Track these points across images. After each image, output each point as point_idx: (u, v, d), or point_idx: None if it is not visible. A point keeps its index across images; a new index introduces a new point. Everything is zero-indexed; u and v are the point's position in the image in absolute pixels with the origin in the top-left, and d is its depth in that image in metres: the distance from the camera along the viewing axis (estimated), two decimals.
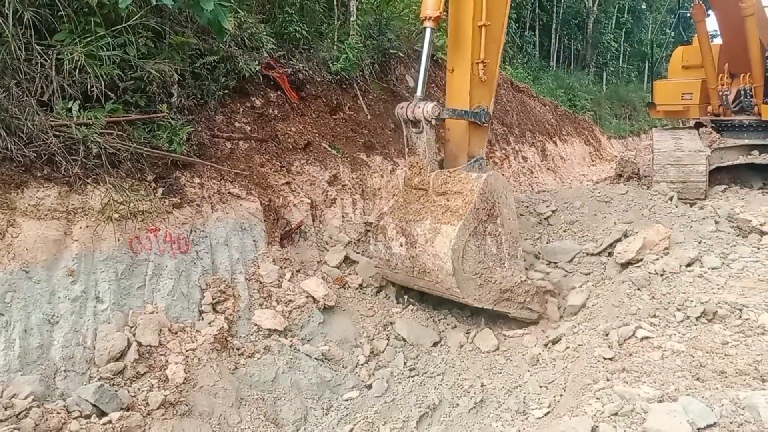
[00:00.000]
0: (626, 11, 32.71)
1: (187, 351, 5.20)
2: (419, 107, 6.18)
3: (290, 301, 6.22)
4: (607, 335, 5.44)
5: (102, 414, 4.43)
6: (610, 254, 7.39)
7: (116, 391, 4.61)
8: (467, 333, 6.60)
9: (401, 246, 6.46)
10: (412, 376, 5.94)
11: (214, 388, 5.04)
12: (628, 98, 29.45)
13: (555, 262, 7.90)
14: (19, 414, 4.13)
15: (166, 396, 4.72)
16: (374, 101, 9.95)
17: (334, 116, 9.02)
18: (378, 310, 6.77)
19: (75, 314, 4.86)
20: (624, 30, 32.74)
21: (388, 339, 6.41)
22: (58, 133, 5.02)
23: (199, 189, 6.17)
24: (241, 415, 5.07)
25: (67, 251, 4.93)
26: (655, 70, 17.62)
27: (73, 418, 4.33)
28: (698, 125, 12.85)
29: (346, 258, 7.39)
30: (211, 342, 5.33)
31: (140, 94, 5.85)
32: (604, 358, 5.05)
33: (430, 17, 6.15)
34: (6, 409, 4.12)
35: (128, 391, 4.70)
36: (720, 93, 11.58)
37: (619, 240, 7.48)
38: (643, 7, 35.00)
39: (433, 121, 6.29)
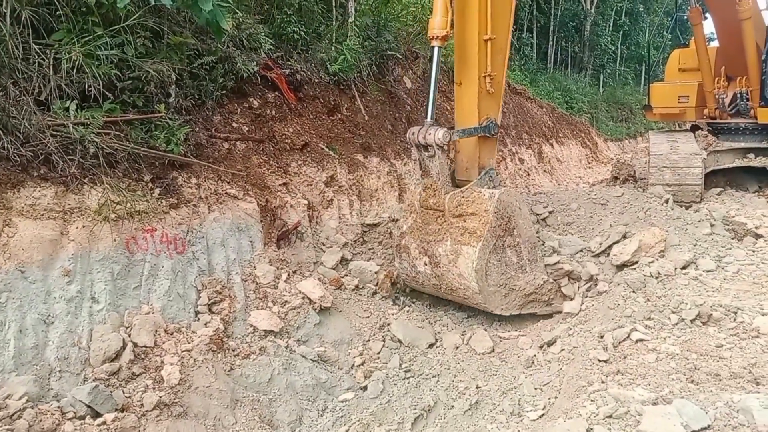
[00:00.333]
0: (623, 14, 32.78)
1: (182, 352, 5.19)
2: (430, 133, 6.32)
3: (286, 302, 6.22)
4: (602, 337, 5.45)
5: (97, 415, 4.43)
6: (608, 255, 7.42)
7: (111, 392, 4.61)
8: (463, 334, 6.61)
9: (426, 265, 6.76)
10: (408, 378, 5.95)
11: (209, 389, 5.04)
12: (624, 101, 29.53)
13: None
14: (12, 415, 4.12)
15: (161, 397, 4.71)
16: (372, 102, 9.96)
17: (332, 117, 9.03)
18: (374, 312, 6.78)
19: (70, 314, 4.85)
20: (621, 32, 32.80)
21: (383, 340, 6.42)
22: (55, 133, 5.01)
23: (196, 189, 6.16)
24: (236, 416, 5.07)
25: (63, 251, 4.92)
26: (652, 73, 17.69)
27: (68, 419, 4.33)
28: (694, 128, 12.87)
29: (343, 259, 7.39)
30: (207, 343, 5.32)
31: (138, 94, 5.85)
32: (599, 360, 5.06)
33: (438, 36, 6.22)
34: (0, 409, 4.11)
35: (123, 392, 4.70)
36: (716, 96, 11.60)
37: (618, 241, 7.51)
38: (641, 9, 35.06)
39: (445, 147, 6.46)
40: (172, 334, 5.33)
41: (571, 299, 6.84)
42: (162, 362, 5.04)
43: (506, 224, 6.52)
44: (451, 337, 6.55)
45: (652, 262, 6.61)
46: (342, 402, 5.65)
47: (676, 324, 5.31)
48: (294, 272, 6.76)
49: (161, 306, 5.44)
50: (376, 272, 7.29)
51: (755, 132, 11.31)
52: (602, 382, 4.64)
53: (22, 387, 4.34)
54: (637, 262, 6.71)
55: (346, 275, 7.19)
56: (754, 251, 6.84)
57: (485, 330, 6.66)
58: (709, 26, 12.22)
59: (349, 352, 6.21)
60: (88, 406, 4.42)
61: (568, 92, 24.12)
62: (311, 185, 7.93)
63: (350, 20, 9.69)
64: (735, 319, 5.20)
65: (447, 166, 6.78)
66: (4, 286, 4.55)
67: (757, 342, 4.81)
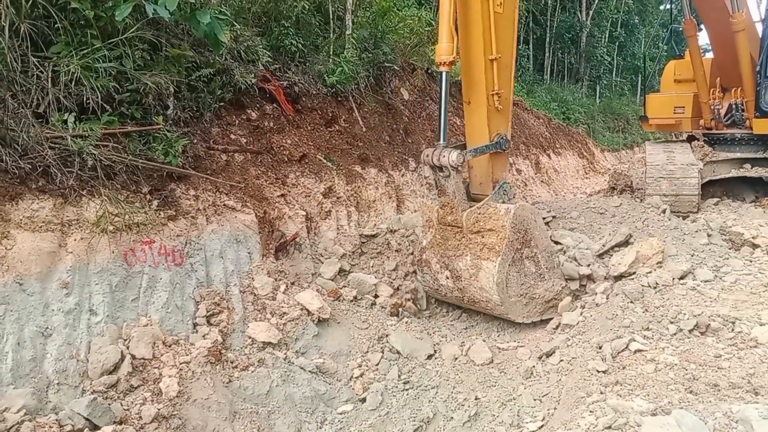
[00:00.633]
0: (619, 25, 33.00)
1: (180, 364, 5.18)
2: (444, 156, 6.49)
3: (285, 313, 6.21)
4: (600, 348, 5.45)
5: (95, 428, 4.41)
6: (611, 255, 7.52)
7: (109, 404, 4.59)
8: (461, 345, 6.60)
9: (447, 278, 6.98)
10: (407, 389, 5.93)
11: (207, 401, 5.02)
12: (621, 111, 29.66)
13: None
14: (10, 428, 4.11)
15: (159, 409, 4.70)
16: (369, 114, 10.00)
17: (330, 129, 9.06)
18: (372, 323, 6.77)
19: (68, 327, 4.84)
20: (617, 44, 33.03)
21: (382, 352, 6.41)
22: (53, 145, 5.02)
23: (195, 201, 6.17)
24: (235, 428, 5.05)
25: (61, 263, 4.92)
26: (648, 84, 17.74)
27: None
28: (690, 138, 12.93)
29: (341, 270, 7.39)
30: (205, 355, 5.31)
31: (136, 106, 5.87)
32: (598, 371, 5.06)
33: (445, 62, 6.30)
34: None
35: (121, 405, 4.68)
36: (712, 107, 11.68)
37: (623, 244, 7.66)
38: (636, 21, 35.31)
39: (459, 168, 6.61)
40: (170, 346, 5.32)
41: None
42: (160, 374, 5.03)
43: (523, 237, 6.71)
44: (450, 348, 6.54)
45: (650, 272, 6.62)
46: (341, 414, 5.63)
47: (675, 334, 5.31)
48: (292, 283, 6.75)
49: (159, 318, 5.43)
50: (374, 284, 7.29)
51: (751, 142, 11.37)
52: (601, 392, 4.64)
53: (20, 400, 4.32)
54: (634, 273, 6.73)
55: (345, 286, 7.18)
56: (751, 261, 6.86)
57: (484, 341, 6.65)
58: (704, 38, 12.31)
59: (347, 363, 6.19)
60: (87, 419, 4.40)
61: (564, 103, 24.23)
62: (309, 196, 7.94)
63: (348, 32, 9.75)
64: (733, 329, 5.20)
65: (462, 185, 6.95)
66: (2, 298, 4.54)
67: (756, 352, 4.81)
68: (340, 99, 9.42)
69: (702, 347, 5.02)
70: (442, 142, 6.59)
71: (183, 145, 6.13)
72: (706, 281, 6.35)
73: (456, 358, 6.40)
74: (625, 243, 7.68)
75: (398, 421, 5.50)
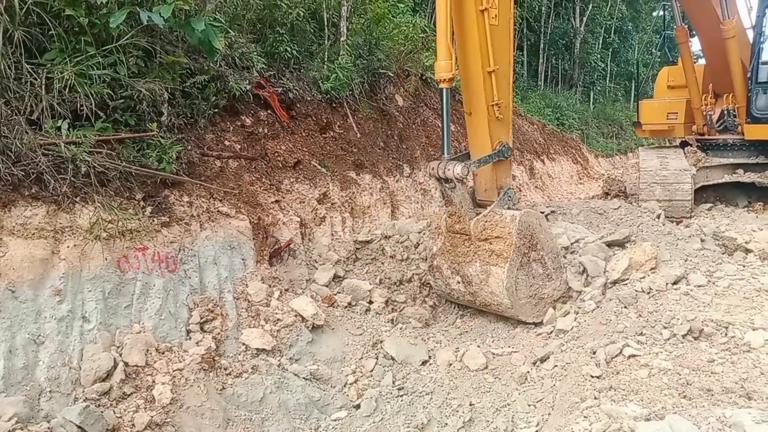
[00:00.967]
0: (613, 32, 33.15)
1: (174, 371, 5.16)
2: (449, 169, 6.62)
3: (279, 320, 6.20)
4: (594, 353, 5.46)
5: None
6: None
7: (102, 412, 4.57)
8: (456, 351, 6.60)
9: (459, 283, 7.20)
10: (401, 396, 5.92)
11: (201, 408, 5.00)
12: (614, 117, 29.76)
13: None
14: None
15: (152, 417, 4.68)
16: (364, 120, 10.02)
17: (324, 135, 9.07)
18: (367, 329, 6.76)
19: (61, 334, 4.82)
20: (611, 50, 33.16)
21: (376, 358, 6.40)
22: (46, 152, 5.01)
23: (188, 207, 6.16)
24: None
25: (54, 270, 4.90)
26: (641, 90, 17.85)
27: None
28: (684, 144, 13.00)
29: (336, 276, 7.39)
30: (199, 362, 5.29)
31: (130, 112, 5.87)
32: (592, 377, 5.07)
33: (445, 79, 6.36)
34: None
35: (114, 412, 4.66)
36: (704, 113, 11.74)
37: (621, 243, 7.81)
38: (630, 27, 35.46)
39: (464, 180, 6.77)
40: (163, 353, 5.30)
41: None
42: (153, 382, 5.00)
43: (529, 241, 6.89)
44: (444, 354, 6.54)
45: (644, 277, 6.64)
46: (335, 420, 5.62)
47: (668, 339, 5.32)
48: (286, 290, 6.75)
49: (153, 325, 5.41)
50: (369, 290, 7.30)
51: (743, 148, 11.44)
52: (595, 398, 4.65)
53: (12, 408, 4.29)
54: (628, 279, 6.75)
55: (339, 292, 7.18)
56: (744, 266, 6.88)
57: (478, 347, 6.65)
58: (696, 44, 12.40)
59: (342, 370, 6.18)
60: (79, 427, 4.36)
61: (558, 109, 24.30)
62: (304, 202, 7.94)
63: (342, 39, 9.78)
64: (726, 334, 5.22)
65: (468, 195, 7.13)
66: None
67: (749, 357, 4.82)
68: (334, 105, 9.44)
69: (695, 352, 5.04)
70: (446, 155, 6.73)
71: (177, 152, 6.13)
72: (699, 286, 6.36)
73: (450, 364, 6.40)
74: (623, 243, 7.81)
75: (392, 428, 5.49)
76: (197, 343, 5.56)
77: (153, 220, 5.71)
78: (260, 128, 7.93)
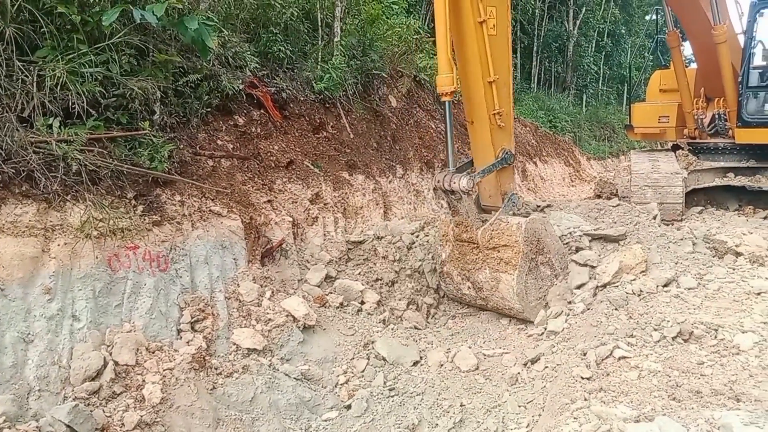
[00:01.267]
0: (606, 35, 33.29)
1: (164, 370, 5.14)
2: (455, 182, 6.80)
3: (270, 320, 6.19)
4: (585, 355, 5.48)
5: None
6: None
7: (91, 411, 4.54)
8: (447, 352, 6.61)
9: (469, 289, 7.43)
10: (392, 396, 5.92)
11: (191, 408, 4.99)
12: (607, 120, 29.87)
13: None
14: None
15: (142, 416, 4.66)
16: (357, 121, 10.01)
17: (317, 135, 9.06)
18: (358, 329, 6.76)
19: (51, 333, 4.79)
20: (603, 53, 33.30)
21: (368, 358, 6.39)
22: (37, 150, 4.99)
23: (180, 207, 6.14)
24: None
25: (44, 269, 4.87)
26: (634, 93, 17.90)
27: None
28: (675, 147, 13.08)
29: (327, 276, 7.38)
30: (189, 361, 5.27)
31: (122, 111, 5.84)
32: (582, 378, 5.09)
33: (447, 93, 6.43)
34: None
35: (104, 412, 4.64)
36: (696, 117, 11.81)
37: (615, 239, 7.95)
38: (623, 31, 35.62)
39: (470, 192, 6.91)
40: (153, 352, 5.28)
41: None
42: (143, 381, 4.98)
43: (536, 246, 7.06)
44: (436, 355, 6.54)
45: (634, 280, 6.67)
46: (326, 421, 5.61)
47: (658, 341, 5.35)
48: (278, 290, 6.73)
49: (143, 324, 5.39)
50: (361, 290, 7.29)
51: (734, 152, 11.52)
52: (585, 399, 4.67)
53: (0, 406, 4.27)
54: (618, 282, 6.78)
55: (331, 293, 7.17)
56: (734, 269, 6.92)
57: (469, 348, 6.66)
58: (689, 48, 12.48)
59: (333, 370, 6.17)
60: (68, 426, 4.34)
61: (551, 111, 24.38)
62: (296, 202, 7.93)
63: (336, 39, 9.78)
64: (716, 337, 5.25)
65: (474, 206, 7.25)
66: None
67: (738, 359, 4.86)
68: (327, 105, 9.43)
69: (685, 354, 5.07)
70: (451, 168, 6.91)
71: (169, 151, 6.11)
72: (689, 289, 6.40)
73: (441, 365, 6.40)
74: (617, 239, 7.98)
75: (383, 428, 5.49)
76: (188, 342, 5.54)
77: (144, 219, 5.69)
78: (253, 128, 7.91)
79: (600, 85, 34.23)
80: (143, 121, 5.96)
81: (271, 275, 6.85)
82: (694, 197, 11.42)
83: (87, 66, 5.41)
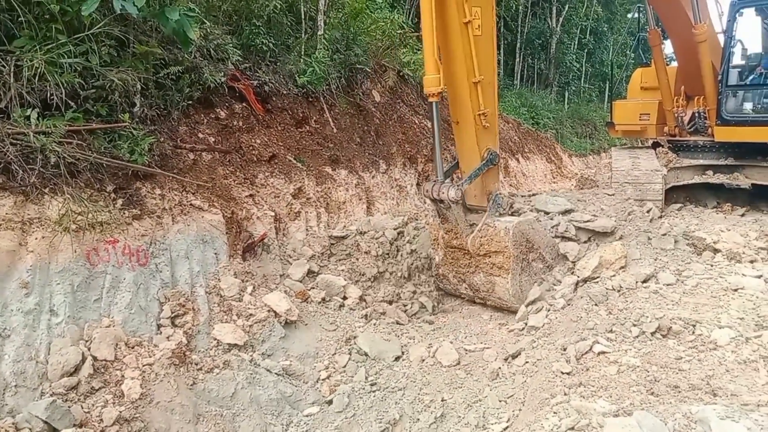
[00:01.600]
0: (588, 33, 33.46)
1: (143, 366, 5.09)
2: (443, 192, 6.96)
3: (251, 315, 6.15)
4: (565, 350, 5.53)
5: (54, 431, 4.31)
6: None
7: (69, 407, 4.49)
8: (429, 347, 6.62)
9: (467, 289, 7.68)
10: (374, 391, 5.92)
11: (171, 404, 4.95)
12: (589, 117, 30.04)
13: (546, 212, 8.71)
14: None
15: (121, 412, 4.61)
16: (340, 115, 9.97)
17: (300, 129, 9.01)
18: (340, 325, 6.75)
19: (28, 327, 4.73)
20: (586, 51, 33.48)
21: (350, 353, 6.39)
22: (15, 141, 4.91)
23: (160, 200, 6.08)
24: (199, 431, 4.98)
25: (21, 262, 4.80)
26: (615, 91, 18.06)
27: None
28: (655, 145, 13.19)
29: (310, 271, 7.36)
30: (169, 357, 5.23)
31: (102, 103, 5.76)
32: (562, 373, 5.13)
33: (434, 93, 6.48)
34: None
35: (82, 407, 4.59)
36: (676, 114, 11.92)
37: (603, 234, 8.13)
38: (605, 29, 35.84)
39: (458, 201, 7.04)
40: (133, 347, 5.23)
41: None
42: (122, 376, 4.94)
43: (526, 246, 7.24)
44: (417, 350, 6.56)
45: (614, 275, 6.73)
46: (307, 416, 5.60)
47: (637, 337, 5.41)
48: (260, 285, 6.70)
49: (122, 319, 5.33)
50: (343, 285, 7.28)
51: (713, 150, 11.63)
52: (565, 394, 4.70)
53: None
54: (598, 277, 6.85)
55: (313, 288, 7.15)
56: (712, 265, 7.01)
57: (451, 343, 6.68)
58: (669, 47, 12.57)
59: (314, 365, 6.16)
60: (45, 422, 4.29)
61: (534, 108, 24.46)
62: (278, 197, 7.88)
63: (319, 33, 9.72)
64: (694, 332, 5.32)
65: (463, 214, 7.33)
66: None
67: (715, 354, 4.93)
68: (310, 99, 9.38)
69: (663, 349, 5.13)
70: (440, 177, 7.02)
71: (149, 144, 6.04)
72: (668, 285, 6.48)
73: (423, 360, 6.42)
74: (606, 234, 8.16)
75: (365, 423, 5.49)
76: (168, 337, 5.50)
77: (124, 213, 5.62)
78: (235, 121, 7.85)
79: (582, 82, 34.43)
80: (123, 114, 5.88)
81: (253, 270, 6.82)
82: (674, 194, 11.52)
83: (66, 56, 5.32)
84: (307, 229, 8.15)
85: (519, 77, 28.23)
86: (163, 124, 6.68)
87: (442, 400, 5.69)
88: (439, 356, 6.42)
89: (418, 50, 12.39)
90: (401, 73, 12.49)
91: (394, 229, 8.38)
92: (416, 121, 12.23)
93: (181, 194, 6.37)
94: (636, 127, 12.71)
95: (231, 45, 7.86)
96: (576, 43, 32.21)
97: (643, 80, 13.12)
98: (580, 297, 6.56)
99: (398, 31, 11.99)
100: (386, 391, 5.94)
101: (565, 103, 30.66)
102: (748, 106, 10.96)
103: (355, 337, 6.60)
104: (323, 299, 7.03)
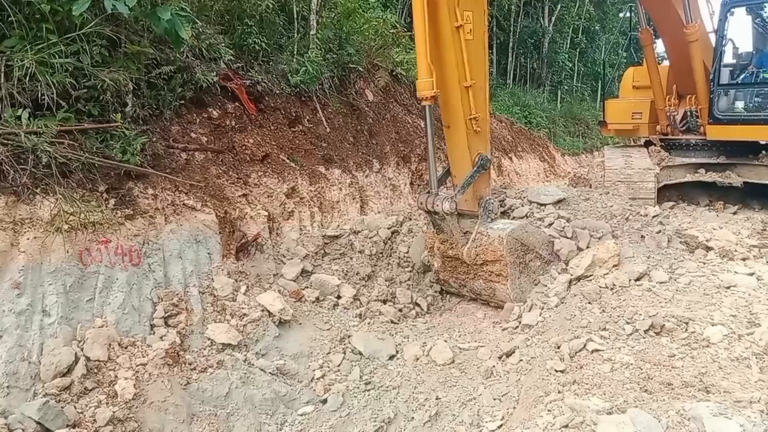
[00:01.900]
0: (581, 32, 33.54)
1: (137, 366, 5.07)
2: (437, 204, 6.90)
3: (245, 314, 6.14)
4: (559, 348, 5.54)
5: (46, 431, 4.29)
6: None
7: (62, 407, 4.47)
8: (423, 346, 6.62)
9: (468, 292, 7.68)
10: (368, 390, 5.92)
11: (164, 404, 4.93)
12: (581, 116, 30.13)
13: (539, 203, 8.67)
14: None
15: (114, 412, 4.59)
16: (334, 114, 9.97)
17: (293, 129, 9.00)
18: (335, 324, 6.74)
19: (20, 328, 4.70)
20: (578, 50, 33.56)
21: (344, 352, 6.38)
22: (6, 142, 4.88)
23: (153, 200, 6.06)
24: (193, 431, 4.97)
25: (13, 263, 4.78)
26: (608, 90, 18.14)
27: None
28: (648, 144, 13.25)
29: (303, 271, 7.34)
30: (163, 357, 5.21)
31: (93, 103, 5.73)
32: (556, 371, 5.14)
33: (427, 97, 6.42)
34: None
35: (75, 408, 4.56)
36: (668, 113, 11.98)
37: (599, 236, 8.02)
38: (597, 28, 35.92)
39: (453, 213, 6.97)
40: (126, 347, 5.21)
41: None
42: (116, 377, 4.92)
43: (521, 250, 7.21)
44: (412, 349, 6.56)
45: (607, 273, 6.75)
46: (301, 415, 5.59)
47: (631, 334, 5.43)
48: (253, 284, 6.68)
49: (115, 319, 5.31)
50: (337, 285, 7.28)
51: (705, 148, 11.72)
52: (559, 392, 4.71)
53: None
54: (591, 275, 6.86)
55: (307, 287, 7.14)
56: (705, 263, 7.04)
57: (445, 341, 6.68)
58: (661, 45, 12.65)
59: (309, 365, 6.15)
60: (38, 423, 4.27)
61: (526, 107, 24.53)
62: (272, 196, 7.87)
63: (312, 33, 9.71)
64: (687, 330, 5.34)
65: (458, 225, 7.25)
66: None
67: (708, 352, 4.95)
68: (303, 99, 9.37)
69: (657, 347, 5.15)
70: (434, 190, 6.96)
71: (142, 144, 6.02)
72: (661, 283, 6.49)
73: (417, 359, 6.42)
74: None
75: (359, 422, 5.49)
76: (161, 337, 5.48)
77: (116, 213, 5.60)
78: (227, 121, 7.83)
79: (575, 81, 34.51)
80: (115, 114, 5.85)
81: (246, 270, 6.80)
82: (666, 193, 11.59)
83: (57, 56, 5.29)
84: (300, 229, 8.13)
85: (512, 76, 28.28)
86: (155, 124, 6.65)
87: (437, 399, 5.69)
88: (433, 355, 6.43)
89: (411, 50, 12.40)
90: (394, 73, 12.50)
91: (388, 228, 8.41)
92: (409, 121, 12.24)
93: (174, 194, 6.35)
94: (628, 126, 12.79)
95: (223, 44, 7.84)
96: (568, 42, 32.29)
97: (635, 79, 13.19)
98: (574, 295, 6.57)
99: (391, 31, 12.01)
100: (381, 390, 5.93)
101: (558, 102, 30.73)
102: (739, 104, 11.05)
103: (349, 336, 6.60)
104: (317, 298, 7.02)
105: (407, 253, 8.24)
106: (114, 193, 5.68)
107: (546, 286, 7.17)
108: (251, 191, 7.59)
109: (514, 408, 5.15)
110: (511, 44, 27.73)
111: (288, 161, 8.42)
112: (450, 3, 6.49)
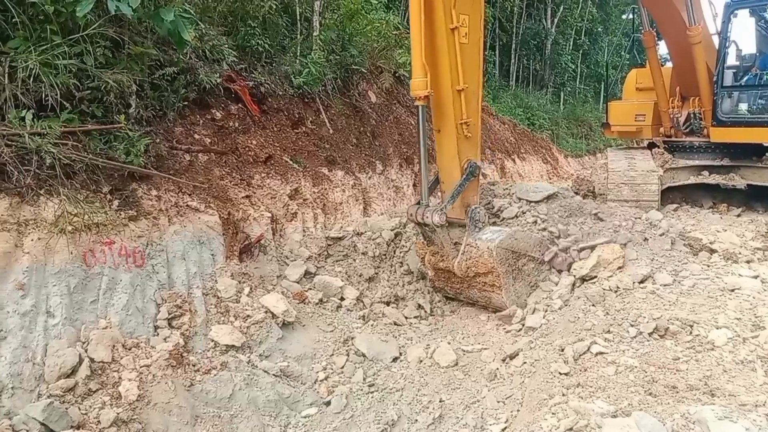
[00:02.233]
0: (583, 33, 33.53)
1: (141, 367, 5.07)
2: (427, 216, 6.81)
3: (248, 316, 6.13)
4: (562, 350, 5.52)
5: None
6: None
7: (66, 408, 4.47)
8: (426, 348, 6.61)
9: (466, 298, 7.66)
10: (371, 392, 5.91)
11: (168, 405, 4.93)
12: (584, 118, 30.09)
13: (528, 200, 8.63)
14: None
15: (118, 414, 4.59)
16: (336, 116, 9.97)
17: (296, 130, 9.00)
18: (338, 326, 6.74)
19: (24, 329, 4.70)
20: (581, 51, 33.51)
21: (347, 354, 6.38)
22: (10, 143, 4.88)
23: (156, 201, 6.06)
24: None
25: (17, 264, 4.78)
26: (611, 91, 18.07)
27: None
28: (651, 146, 13.21)
29: (307, 272, 7.34)
30: (166, 358, 5.21)
31: (97, 104, 5.74)
32: (560, 374, 5.12)
33: (421, 97, 6.39)
34: None
35: (79, 409, 4.56)
36: (671, 115, 11.95)
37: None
38: (600, 30, 35.91)
39: (443, 225, 6.93)
40: (130, 349, 5.21)
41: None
42: (120, 378, 4.91)
43: (513, 258, 7.18)
44: (415, 351, 6.55)
45: (611, 276, 6.73)
46: (305, 417, 5.58)
47: (635, 337, 5.41)
48: (257, 286, 6.68)
49: (119, 320, 5.31)
50: (340, 286, 7.27)
51: (709, 150, 11.67)
52: (563, 395, 4.70)
53: None
54: (596, 277, 6.85)
55: (311, 289, 7.14)
56: (708, 266, 7.03)
57: (449, 343, 6.67)
58: (664, 47, 12.62)
59: (312, 366, 6.14)
60: (42, 424, 4.27)
61: (529, 109, 24.51)
62: (275, 198, 7.87)
63: (315, 34, 9.72)
64: (691, 333, 5.32)
65: (449, 237, 7.22)
66: None
67: (713, 354, 4.93)
68: (306, 100, 9.38)
69: (661, 350, 5.13)
70: (424, 201, 6.88)
71: (145, 145, 6.03)
72: (665, 285, 6.47)
73: (421, 361, 6.41)
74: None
75: (363, 424, 5.48)
76: (165, 339, 5.48)
77: (120, 214, 5.60)
78: (231, 122, 7.83)
79: (577, 83, 34.49)
80: (119, 115, 5.86)
81: (250, 271, 6.80)
82: (670, 195, 11.55)
83: (61, 58, 5.30)
84: (303, 230, 8.13)
85: (514, 78, 28.26)
86: (158, 125, 6.66)
87: (440, 401, 5.68)
88: (436, 357, 6.41)
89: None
90: (397, 74, 12.50)
91: (391, 230, 8.39)
92: (412, 122, 12.23)
93: (178, 195, 6.35)
94: (631, 128, 12.75)
95: (226, 46, 7.85)
96: (571, 44, 32.26)
97: (639, 81, 13.14)
98: (578, 297, 6.56)
99: (394, 32, 12.00)
100: (384, 392, 5.92)
101: (561, 103, 30.71)
102: (743, 106, 11.00)
103: (352, 338, 6.59)
104: (320, 300, 7.01)
105: (409, 252, 8.22)
106: (118, 194, 5.68)
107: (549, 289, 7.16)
108: (254, 192, 7.59)
109: (518, 411, 5.14)
110: (513, 46, 27.72)
111: (291, 163, 8.42)
112: (446, 3, 6.47)
